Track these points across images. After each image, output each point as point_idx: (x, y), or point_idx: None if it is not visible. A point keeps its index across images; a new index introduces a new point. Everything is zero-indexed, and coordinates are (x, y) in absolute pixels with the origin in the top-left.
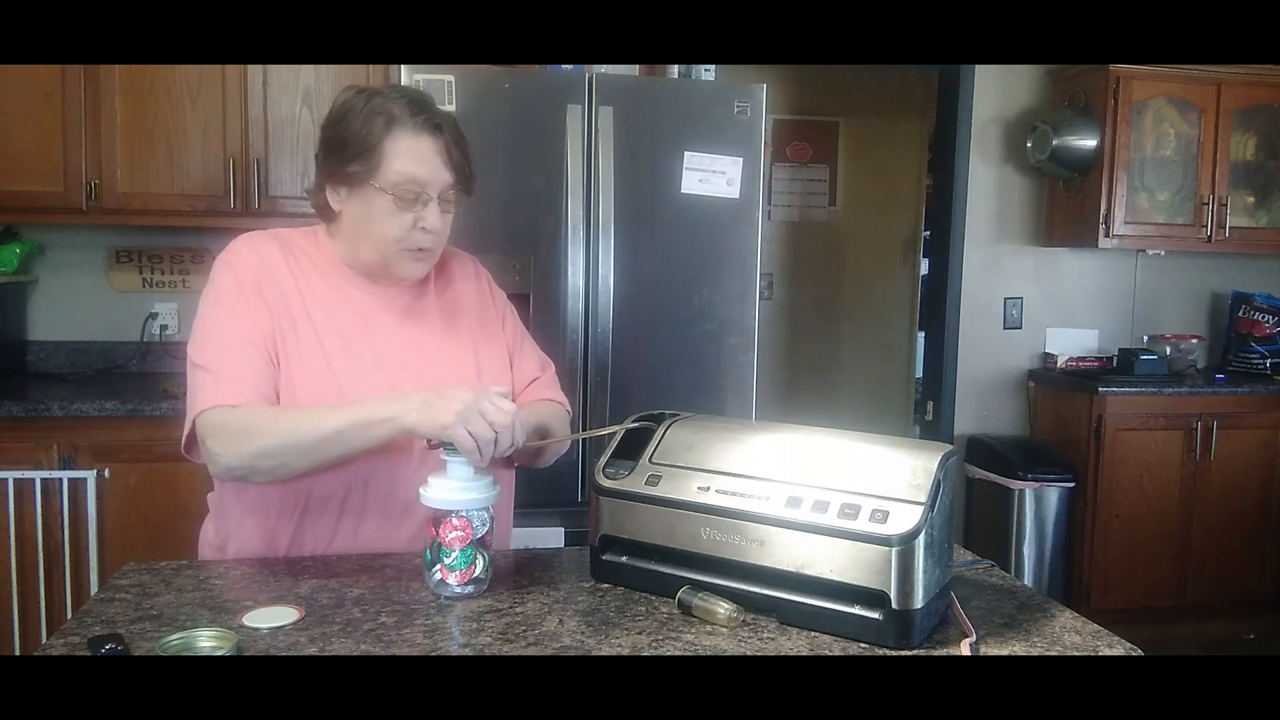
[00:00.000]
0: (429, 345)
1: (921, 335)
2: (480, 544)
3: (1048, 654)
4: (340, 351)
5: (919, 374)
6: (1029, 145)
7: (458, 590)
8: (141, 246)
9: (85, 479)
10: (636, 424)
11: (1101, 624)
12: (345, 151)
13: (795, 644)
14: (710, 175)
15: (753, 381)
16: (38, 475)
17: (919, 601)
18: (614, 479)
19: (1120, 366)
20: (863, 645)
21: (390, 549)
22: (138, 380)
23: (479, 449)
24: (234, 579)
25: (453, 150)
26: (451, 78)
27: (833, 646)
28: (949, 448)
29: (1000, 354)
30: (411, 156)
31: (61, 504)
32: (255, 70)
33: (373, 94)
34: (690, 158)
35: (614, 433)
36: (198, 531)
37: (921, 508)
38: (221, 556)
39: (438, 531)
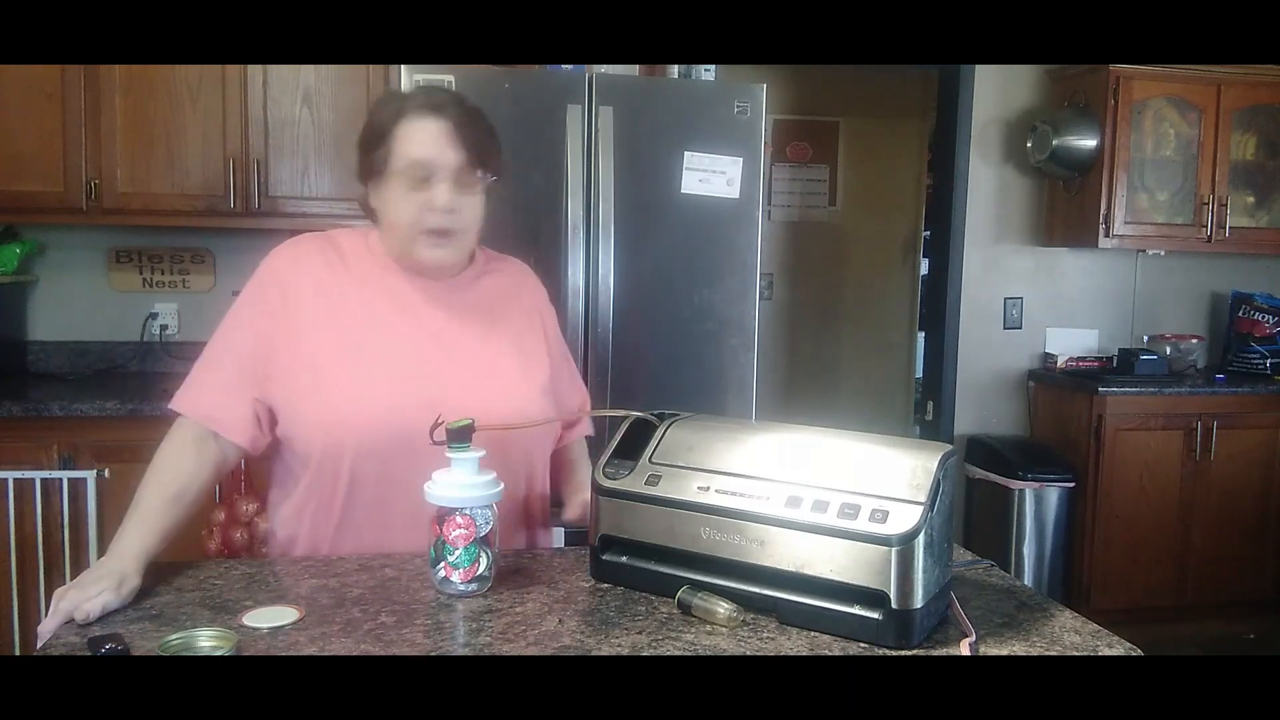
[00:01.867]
0: (472, 339)
1: (921, 335)
2: (484, 542)
3: (1047, 654)
4: (377, 346)
5: (919, 374)
6: (1029, 145)
7: (461, 588)
8: (141, 246)
9: (85, 479)
10: (642, 415)
11: (1101, 624)
12: (367, 144)
13: (795, 644)
14: (710, 175)
15: (753, 381)
16: (38, 475)
17: (919, 601)
18: (614, 479)
19: (1120, 366)
20: (862, 645)
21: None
22: (138, 380)
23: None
24: (234, 579)
25: (462, 131)
26: (451, 78)
27: (832, 646)
28: (949, 448)
29: (1000, 354)
30: (416, 140)
31: (61, 504)
32: (255, 70)
33: (400, 91)
34: (690, 158)
35: (624, 417)
36: (197, 532)
37: (921, 508)
38: (293, 549)
39: (442, 529)
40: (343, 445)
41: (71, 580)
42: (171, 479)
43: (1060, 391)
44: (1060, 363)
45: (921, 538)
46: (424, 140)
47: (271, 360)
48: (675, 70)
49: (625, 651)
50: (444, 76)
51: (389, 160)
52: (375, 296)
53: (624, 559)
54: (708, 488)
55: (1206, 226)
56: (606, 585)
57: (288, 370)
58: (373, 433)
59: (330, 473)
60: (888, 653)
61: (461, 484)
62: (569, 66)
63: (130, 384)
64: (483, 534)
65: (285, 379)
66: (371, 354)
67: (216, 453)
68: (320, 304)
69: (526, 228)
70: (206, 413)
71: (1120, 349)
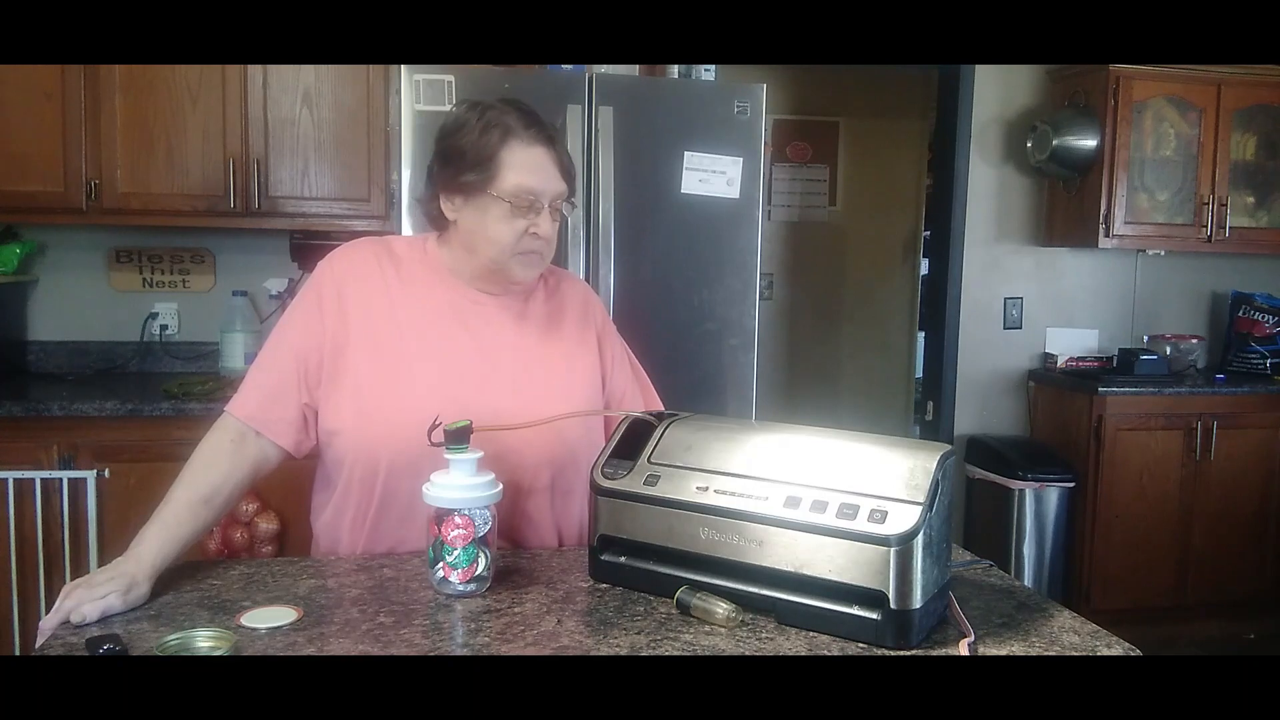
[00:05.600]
0: (520, 351)
1: (921, 335)
2: (482, 542)
3: (1046, 654)
4: (419, 356)
5: (919, 374)
6: (1029, 145)
7: (460, 588)
8: (141, 246)
9: (85, 479)
10: (640, 415)
11: (1101, 624)
12: (462, 162)
13: (793, 644)
14: (710, 175)
15: (753, 381)
16: (38, 475)
17: (917, 602)
18: (612, 479)
19: (1120, 366)
20: (861, 645)
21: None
22: (138, 380)
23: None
24: (232, 579)
25: (563, 161)
26: (451, 78)
27: (831, 647)
28: (948, 448)
29: (1000, 354)
30: (527, 167)
31: (61, 504)
32: (255, 70)
33: (486, 107)
34: (690, 158)
35: (623, 417)
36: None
37: (920, 508)
38: (336, 548)
39: (440, 530)
40: (377, 455)
41: (73, 579)
42: (203, 480)
43: (1060, 391)
44: (1060, 363)
45: (920, 538)
46: (534, 168)
47: (321, 364)
48: (675, 70)
49: (624, 652)
50: (444, 77)
51: (493, 183)
52: (426, 305)
53: (622, 559)
54: (706, 488)
55: (1206, 226)
56: (605, 585)
57: (332, 376)
58: (407, 444)
59: (365, 481)
60: (886, 653)
61: (459, 485)
62: (569, 66)
63: (130, 384)
64: (481, 534)
65: (329, 384)
66: (413, 364)
67: (256, 453)
68: (369, 310)
69: None
70: (250, 412)
71: (1120, 349)
